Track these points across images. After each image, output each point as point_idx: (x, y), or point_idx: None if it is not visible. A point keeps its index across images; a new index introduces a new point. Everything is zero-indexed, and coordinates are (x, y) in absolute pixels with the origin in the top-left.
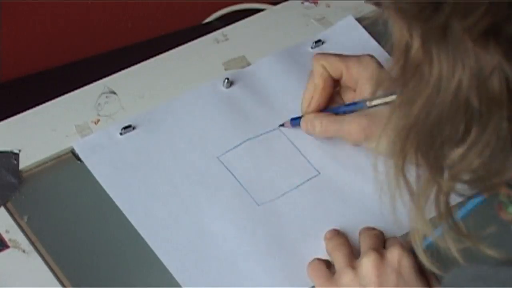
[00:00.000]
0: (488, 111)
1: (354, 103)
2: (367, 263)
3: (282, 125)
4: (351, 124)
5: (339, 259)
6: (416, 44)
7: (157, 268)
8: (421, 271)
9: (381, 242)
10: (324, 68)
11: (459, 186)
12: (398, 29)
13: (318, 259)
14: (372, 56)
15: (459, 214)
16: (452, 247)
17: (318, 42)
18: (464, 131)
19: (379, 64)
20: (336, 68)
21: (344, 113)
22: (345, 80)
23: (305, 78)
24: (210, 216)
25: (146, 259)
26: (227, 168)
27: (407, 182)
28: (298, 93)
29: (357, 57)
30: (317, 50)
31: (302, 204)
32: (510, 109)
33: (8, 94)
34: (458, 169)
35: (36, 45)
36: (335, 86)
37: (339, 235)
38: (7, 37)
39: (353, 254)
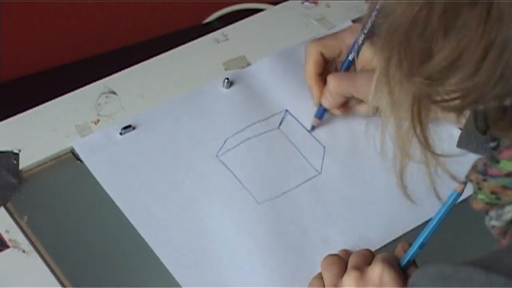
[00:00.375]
0: (462, 9)
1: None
2: (348, 281)
3: (313, 128)
4: (363, 78)
5: (327, 278)
6: None
7: (157, 268)
8: (404, 283)
9: (366, 259)
10: (322, 54)
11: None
12: None
13: (318, 274)
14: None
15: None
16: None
17: None
18: (438, 29)
19: None
20: (333, 47)
21: None
22: (344, 55)
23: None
24: (210, 216)
25: (146, 259)
26: (227, 168)
27: (389, 88)
28: (298, 92)
29: (347, 28)
30: None
31: (302, 204)
32: (484, 8)
33: (8, 94)
34: (431, 68)
35: (36, 45)
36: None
37: (332, 254)
38: (7, 37)
39: (344, 273)
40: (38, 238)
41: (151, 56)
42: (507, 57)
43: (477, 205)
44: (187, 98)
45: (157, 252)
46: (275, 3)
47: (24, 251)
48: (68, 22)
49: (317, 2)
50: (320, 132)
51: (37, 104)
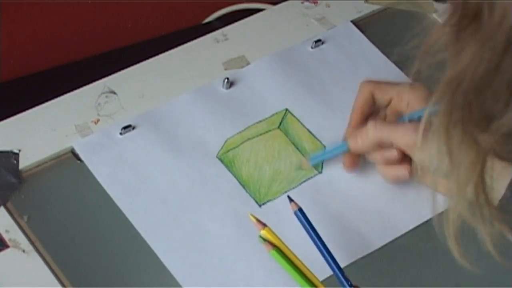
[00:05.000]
0: None
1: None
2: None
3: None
4: (406, 127)
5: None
6: None
7: (157, 268)
8: None
9: None
10: (372, 95)
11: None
12: None
13: None
14: (423, 84)
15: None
16: (484, 233)
17: (318, 42)
18: None
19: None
20: (385, 94)
21: None
22: (394, 105)
23: (304, 78)
24: (210, 216)
25: (146, 259)
26: (227, 168)
27: (450, 144)
28: (298, 92)
29: (409, 83)
30: (317, 50)
31: (302, 204)
32: None
33: (8, 94)
34: (501, 124)
35: (36, 45)
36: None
37: None
38: (7, 37)
39: None
40: (38, 238)
41: (151, 56)
42: None
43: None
44: (187, 98)
45: (157, 252)
46: (275, 3)
47: (24, 251)
48: (68, 22)
49: (317, 2)
50: (320, 132)
51: (37, 104)
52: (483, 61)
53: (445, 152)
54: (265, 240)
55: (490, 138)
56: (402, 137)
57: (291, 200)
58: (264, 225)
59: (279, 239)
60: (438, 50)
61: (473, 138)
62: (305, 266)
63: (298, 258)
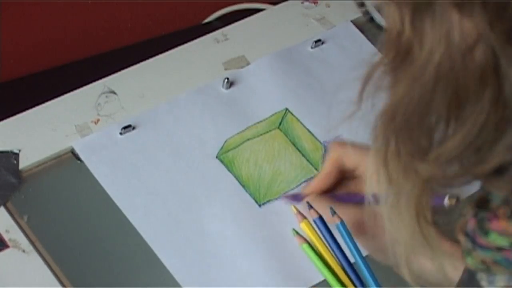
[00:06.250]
0: (473, 91)
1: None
2: None
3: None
4: (344, 215)
5: None
6: (407, 25)
7: (157, 268)
8: None
9: None
10: (341, 158)
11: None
12: (390, 15)
13: None
14: None
15: None
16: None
17: (318, 42)
18: (447, 113)
19: None
20: (353, 159)
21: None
22: (359, 171)
23: (304, 78)
24: (210, 216)
25: (146, 259)
26: (227, 168)
27: (388, 174)
28: (298, 92)
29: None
30: (317, 50)
31: (302, 204)
32: (495, 88)
33: (8, 94)
34: (439, 154)
35: (36, 45)
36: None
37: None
38: (7, 37)
39: None
40: (38, 238)
41: (151, 56)
42: None
43: (467, 265)
44: (187, 98)
45: (157, 252)
46: (275, 3)
47: (24, 251)
48: (68, 22)
49: (317, 2)
50: (320, 132)
51: (37, 104)
52: (414, 97)
53: (385, 180)
54: (297, 233)
55: (428, 167)
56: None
57: (310, 207)
58: (304, 217)
59: (316, 233)
60: (378, 80)
61: (411, 167)
62: (337, 264)
63: (331, 256)
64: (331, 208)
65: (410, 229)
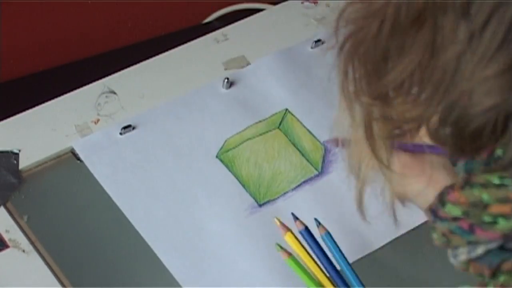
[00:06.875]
0: (409, 32)
1: None
2: None
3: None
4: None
5: None
6: None
7: (157, 268)
8: None
9: None
10: None
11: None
12: None
13: None
14: None
15: None
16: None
17: (318, 42)
18: (391, 49)
19: None
20: None
21: None
22: None
23: (304, 78)
24: (210, 216)
25: (146, 259)
26: (227, 168)
27: (346, 101)
28: (298, 92)
29: None
30: (317, 50)
31: (302, 204)
32: (429, 34)
33: (8, 94)
34: (392, 86)
35: (36, 45)
36: None
37: None
38: (7, 37)
39: None
40: (38, 238)
41: (151, 56)
42: (448, 78)
43: (435, 242)
44: (187, 98)
45: (157, 252)
46: (275, 3)
47: (24, 251)
48: (68, 22)
49: (317, 2)
50: (320, 132)
51: (37, 104)
52: (370, 32)
53: (345, 108)
54: (281, 248)
55: (370, 99)
56: None
57: (318, 223)
58: (288, 229)
59: (301, 244)
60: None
61: (361, 97)
62: (324, 275)
63: (318, 266)
64: (315, 220)
65: (364, 154)
